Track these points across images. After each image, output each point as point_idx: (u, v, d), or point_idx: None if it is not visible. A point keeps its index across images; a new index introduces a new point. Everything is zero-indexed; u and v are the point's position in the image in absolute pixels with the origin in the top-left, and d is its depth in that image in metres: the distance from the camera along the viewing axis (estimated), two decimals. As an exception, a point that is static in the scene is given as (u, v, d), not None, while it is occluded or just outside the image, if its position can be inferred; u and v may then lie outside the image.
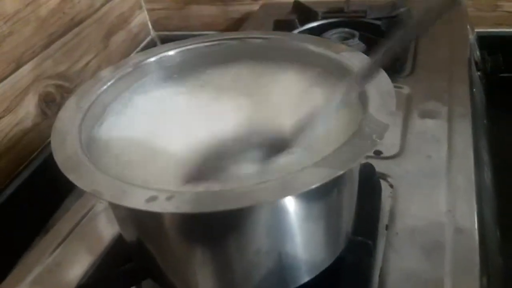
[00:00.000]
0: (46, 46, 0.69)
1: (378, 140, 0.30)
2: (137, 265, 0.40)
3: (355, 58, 0.38)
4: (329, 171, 0.28)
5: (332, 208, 0.35)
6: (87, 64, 0.76)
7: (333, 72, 0.39)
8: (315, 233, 0.35)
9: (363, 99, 0.33)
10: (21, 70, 0.66)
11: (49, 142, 0.33)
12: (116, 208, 0.37)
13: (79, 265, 0.45)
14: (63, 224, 0.50)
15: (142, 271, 0.40)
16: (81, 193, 0.52)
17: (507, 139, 0.74)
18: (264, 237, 0.32)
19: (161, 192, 0.28)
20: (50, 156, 0.31)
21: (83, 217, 0.50)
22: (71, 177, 0.30)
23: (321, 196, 0.33)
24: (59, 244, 0.48)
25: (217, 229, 0.32)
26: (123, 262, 0.43)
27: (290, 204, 0.31)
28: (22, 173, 0.66)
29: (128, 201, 0.28)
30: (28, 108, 0.69)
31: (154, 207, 0.27)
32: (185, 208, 0.27)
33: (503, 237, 0.53)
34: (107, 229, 0.48)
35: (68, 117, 0.36)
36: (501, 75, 0.75)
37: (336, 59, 0.39)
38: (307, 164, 0.29)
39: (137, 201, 0.28)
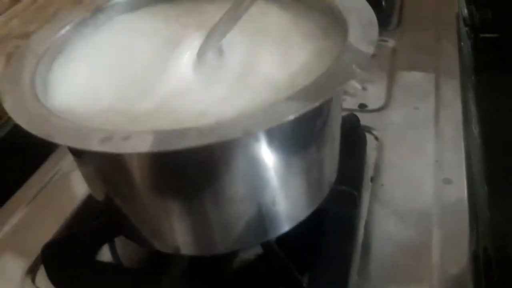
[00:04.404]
0: (13, 3, 0.65)
1: (358, 70, 0.27)
2: (108, 222, 0.38)
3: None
4: (304, 103, 0.26)
5: (310, 151, 0.32)
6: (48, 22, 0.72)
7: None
8: (293, 177, 0.32)
9: (343, 29, 0.31)
10: (-16, 28, 0.61)
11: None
12: (79, 160, 0.34)
13: (49, 225, 0.43)
14: (29, 185, 0.47)
15: (113, 228, 0.37)
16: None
17: (494, 98, 0.72)
18: (239, 182, 0.30)
19: (117, 133, 0.26)
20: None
21: (51, 178, 0.48)
22: (20, 121, 0.28)
23: (299, 137, 0.31)
24: (27, 205, 0.45)
25: (187, 174, 0.29)
26: (94, 220, 0.40)
27: (265, 143, 0.29)
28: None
29: (80, 143, 0.25)
30: (-5, 70, 0.65)
31: (108, 148, 0.25)
32: (143, 147, 0.24)
33: (490, 192, 0.51)
34: (77, 189, 0.46)
35: (21, 62, 0.33)
36: (488, 35, 0.73)
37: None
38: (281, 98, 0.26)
39: (90, 142, 0.25)
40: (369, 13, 0.31)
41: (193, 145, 0.24)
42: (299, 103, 0.25)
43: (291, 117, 0.25)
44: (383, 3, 0.64)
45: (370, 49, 0.28)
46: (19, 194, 0.47)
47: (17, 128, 0.56)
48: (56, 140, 0.26)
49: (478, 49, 0.70)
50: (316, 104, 0.25)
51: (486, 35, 0.73)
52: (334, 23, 0.32)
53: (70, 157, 0.49)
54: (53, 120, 0.28)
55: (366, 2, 0.32)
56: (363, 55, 0.28)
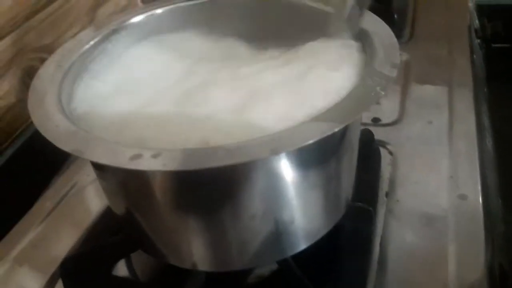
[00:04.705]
0: (29, 17, 0.66)
1: (382, 93, 0.27)
2: (126, 237, 0.38)
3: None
4: (329, 124, 0.26)
5: (331, 171, 0.33)
6: (73, 37, 0.73)
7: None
8: (313, 196, 0.33)
9: (365, 52, 0.31)
10: (1, 42, 0.62)
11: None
12: (102, 175, 0.35)
13: (65, 239, 0.43)
14: (46, 199, 0.47)
15: (131, 243, 0.38)
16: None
17: (506, 107, 0.72)
18: (259, 200, 0.30)
19: (147, 150, 0.26)
20: (36, 133, 0.29)
21: (67, 192, 0.48)
22: (49, 136, 0.28)
23: (320, 156, 0.31)
24: (44, 219, 0.45)
25: (209, 191, 0.29)
26: (111, 235, 0.41)
27: (287, 163, 0.29)
28: (6, 151, 0.63)
29: (110, 160, 0.26)
30: (12, 83, 0.66)
31: (139, 165, 0.25)
32: (172, 165, 0.25)
33: (505, 205, 0.51)
34: (93, 203, 0.46)
35: (47, 76, 0.34)
36: (500, 45, 0.73)
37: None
38: (305, 119, 0.27)
39: (120, 159, 0.25)
40: (390, 37, 0.32)
41: (221, 164, 0.25)
42: (324, 124, 0.26)
43: (316, 138, 0.25)
44: (395, 16, 0.64)
45: (393, 72, 0.28)
46: (35, 208, 0.47)
47: (30, 141, 0.56)
48: (86, 156, 0.26)
49: (490, 59, 0.70)
50: (342, 126, 0.26)
51: (498, 45, 0.73)
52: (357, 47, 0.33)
53: (85, 171, 0.49)
54: (81, 136, 0.28)
55: (387, 26, 0.33)
56: (386, 78, 0.28)
